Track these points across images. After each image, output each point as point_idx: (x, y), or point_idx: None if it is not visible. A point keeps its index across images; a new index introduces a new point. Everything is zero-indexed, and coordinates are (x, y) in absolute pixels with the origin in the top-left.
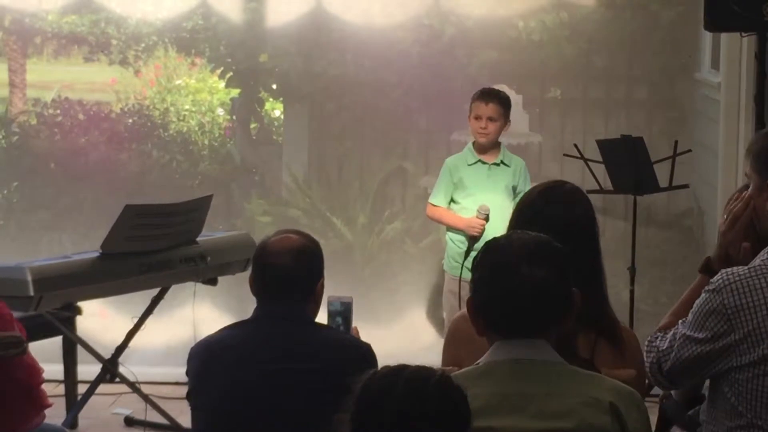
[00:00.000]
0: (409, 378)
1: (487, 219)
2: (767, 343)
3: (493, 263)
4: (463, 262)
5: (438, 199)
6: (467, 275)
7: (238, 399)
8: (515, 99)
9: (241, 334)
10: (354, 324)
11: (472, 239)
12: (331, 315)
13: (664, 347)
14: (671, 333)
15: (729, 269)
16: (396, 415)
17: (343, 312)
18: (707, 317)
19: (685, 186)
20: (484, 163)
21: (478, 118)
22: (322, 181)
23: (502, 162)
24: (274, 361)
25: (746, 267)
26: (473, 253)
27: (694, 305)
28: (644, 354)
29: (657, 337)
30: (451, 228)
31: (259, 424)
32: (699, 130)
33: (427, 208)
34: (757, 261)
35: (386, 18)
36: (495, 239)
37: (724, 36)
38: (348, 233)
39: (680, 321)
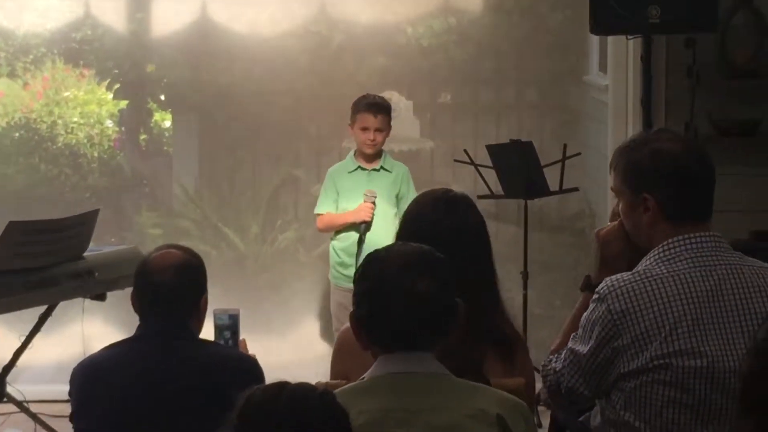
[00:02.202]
0: (290, 395)
1: (374, 202)
2: (654, 348)
3: (374, 276)
4: (357, 255)
5: (323, 209)
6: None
7: (122, 420)
8: (405, 105)
9: (124, 352)
10: (244, 336)
11: (364, 226)
12: (218, 329)
13: (559, 367)
14: (564, 351)
15: (613, 276)
16: (278, 429)
17: (231, 326)
18: (595, 326)
19: (576, 189)
20: (363, 169)
21: (365, 129)
22: (213, 191)
23: (382, 168)
24: (158, 379)
25: (630, 273)
26: (365, 247)
27: (582, 319)
28: (542, 379)
29: (551, 360)
30: (335, 237)
31: None
32: (588, 133)
33: (316, 220)
34: (640, 267)
35: (273, 26)
36: (376, 251)
37: (610, 39)
38: (240, 243)
39: (571, 336)
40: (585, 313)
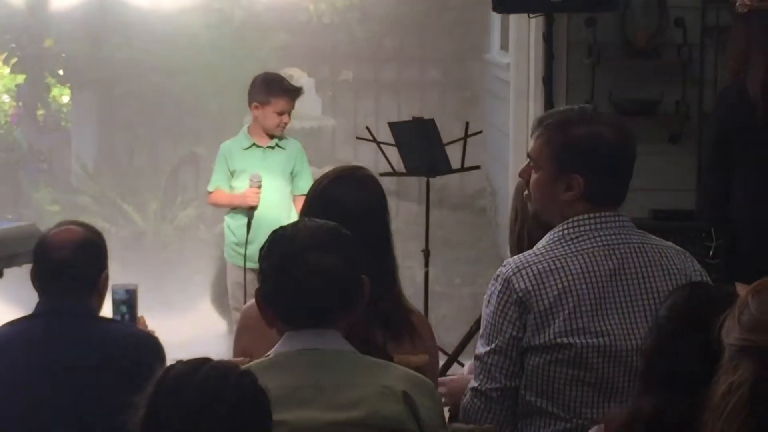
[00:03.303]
0: (208, 372)
1: (260, 187)
2: (557, 325)
3: (279, 253)
4: (247, 238)
5: (215, 186)
6: (251, 264)
7: (20, 398)
8: (307, 82)
9: (22, 330)
10: (143, 312)
11: (250, 210)
12: (115, 303)
13: (482, 378)
14: (475, 365)
15: (515, 256)
16: (192, 410)
17: (128, 300)
18: (500, 310)
19: (477, 167)
20: (258, 146)
21: (281, 113)
22: (113, 167)
23: (277, 145)
24: (58, 358)
25: (530, 251)
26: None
27: (486, 311)
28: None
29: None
30: (230, 214)
31: (43, 424)
32: (490, 111)
33: (208, 196)
34: (541, 243)
35: (175, 2)
36: (282, 228)
37: (512, 17)
38: (140, 220)
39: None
40: (485, 296)
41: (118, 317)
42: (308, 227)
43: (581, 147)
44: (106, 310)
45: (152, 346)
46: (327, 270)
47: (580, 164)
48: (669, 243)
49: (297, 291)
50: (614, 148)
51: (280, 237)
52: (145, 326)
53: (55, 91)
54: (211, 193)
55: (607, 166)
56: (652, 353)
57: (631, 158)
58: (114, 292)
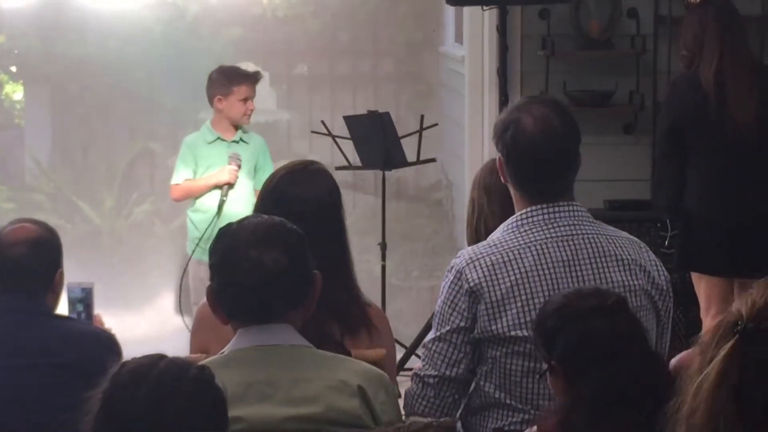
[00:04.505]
0: (162, 370)
1: (239, 167)
2: (510, 317)
3: (223, 249)
4: (216, 222)
5: (180, 179)
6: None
7: None
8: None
9: None
10: (100, 311)
11: (226, 188)
12: (71, 302)
13: (423, 364)
14: (422, 345)
15: (468, 248)
16: (147, 405)
17: (84, 298)
18: (450, 300)
19: (433, 160)
20: (223, 140)
21: (246, 100)
22: (67, 164)
23: (241, 139)
24: (12, 356)
25: (484, 243)
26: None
27: (438, 301)
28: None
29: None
30: (192, 209)
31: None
32: (445, 104)
33: (171, 190)
34: (495, 235)
35: None
36: (228, 225)
37: (466, 9)
38: (95, 217)
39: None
40: (440, 289)
41: (75, 315)
42: (252, 223)
43: (503, 137)
44: (62, 309)
45: (109, 343)
46: (268, 266)
47: (504, 154)
48: (624, 233)
49: (240, 287)
50: (530, 142)
51: (224, 234)
52: (102, 324)
53: (7, 88)
54: (176, 185)
55: (524, 161)
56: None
57: (552, 151)
58: (70, 291)
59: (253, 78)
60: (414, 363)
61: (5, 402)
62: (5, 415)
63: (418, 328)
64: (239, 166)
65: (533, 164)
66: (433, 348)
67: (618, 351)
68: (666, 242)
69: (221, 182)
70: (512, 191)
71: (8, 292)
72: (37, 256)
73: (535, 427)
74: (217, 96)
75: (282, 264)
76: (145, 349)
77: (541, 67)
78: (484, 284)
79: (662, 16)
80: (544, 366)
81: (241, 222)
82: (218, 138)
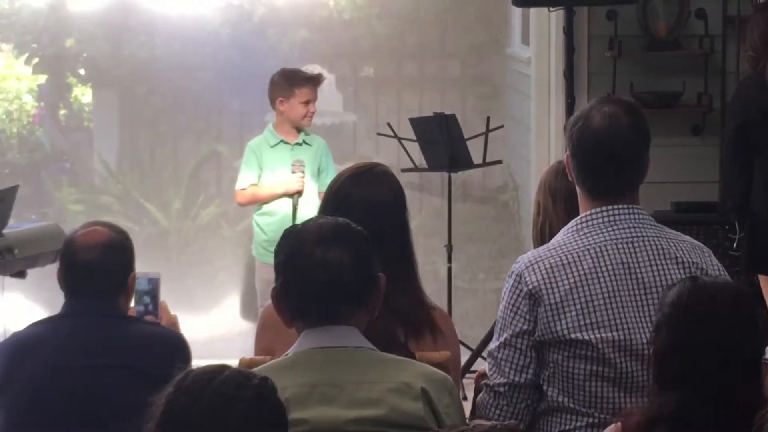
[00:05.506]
0: (227, 377)
1: (303, 172)
2: (569, 319)
3: (288, 248)
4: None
5: (245, 183)
6: None
7: (46, 397)
8: (328, 78)
9: (50, 330)
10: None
11: (296, 196)
12: (138, 294)
13: (491, 373)
14: (487, 362)
15: (528, 252)
16: (208, 414)
17: (150, 290)
18: (512, 304)
19: (499, 162)
20: (286, 143)
21: (307, 102)
22: (135, 167)
23: (304, 142)
24: (85, 357)
25: (543, 246)
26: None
27: (500, 307)
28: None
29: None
30: (259, 213)
31: (68, 423)
32: (511, 106)
33: (236, 195)
34: (556, 239)
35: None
36: (293, 226)
37: (532, 11)
38: (162, 219)
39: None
40: (503, 293)
41: (141, 307)
42: (317, 223)
43: (571, 135)
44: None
45: (180, 345)
46: (333, 264)
47: (572, 152)
48: (686, 237)
49: (303, 285)
50: (595, 138)
51: (289, 234)
52: (168, 312)
53: (76, 91)
54: (242, 191)
55: (588, 157)
56: (663, 352)
57: (619, 147)
58: (137, 282)
59: (314, 80)
60: (479, 365)
61: (77, 402)
62: (76, 416)
63: (483, 331)
64: (303, 173)
65: (594, 157)
66: (499, 356)
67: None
68: (734, 245)
69: (290, 192)
70: (578, 191)
71: (82, 295)
72: (110, 259)
73: (619, 423)
74: (278, 98)
75: (346, 262)
76: (211, 350)
77: (608, 68)
78: (543, 287)
79: (731, 16)
80: (609, 370)
81: (307, 222)
82: (281, 141)
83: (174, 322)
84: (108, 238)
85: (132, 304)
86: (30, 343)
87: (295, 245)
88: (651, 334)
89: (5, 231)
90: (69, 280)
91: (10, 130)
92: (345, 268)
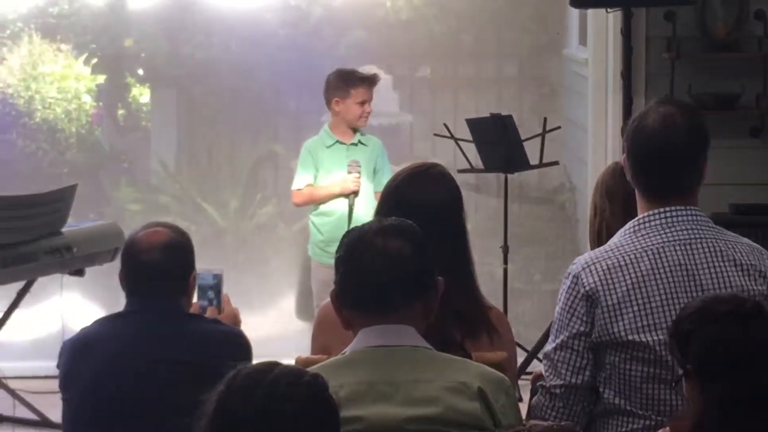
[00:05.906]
0: (278, 374)
1: (359, 173)
2: (627, 321)
3: (350, 240)
4: (349, 226)
5: (302, 183)
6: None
7: (110, 393)
8: (385, 79)
9: (115, 327)
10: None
11: (352, 196)
12: (202, 289)
13: (548, 375)
14: (543, 363)
15: (585, 254)
16: (259, 411)
17: (215, 285)
18: (568, 306)
19: (556, 163)
20: (342, 143)
21: (363, 103)
22: (192, 166)
23: (360, 142)
24: (147, 355)
25: (600, 248)
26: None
27: (556, 309)
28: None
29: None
30: (315, 213)
31: (132, 418)
32: (568, 107)
33: (293, 195)
34: (613, 240)
35: (252, 0)
36: (353, 227)
37: (590, 12)
38: (219, 218)
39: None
40: (558, 295)
41: (205, 302)
42: (379, 221)
43: (627, 135)
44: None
45: (240, 342)
46: (392, 252)
47: (627, 152)
48: (745, 239)
49: (362, 273)
50: (649, 139)
51: (351, 231)
52: (230, 305)
53: (134, 91)
54: (298, 191)
55: (641, 156)
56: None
57: (672, 147)
58: (201, 278)
59: (370, 80)
60: (535, 367)
61: (140, 399)
62: (139, 413)
63: (539, 333)
64: (359, 173)
65: (647, 157)
66: (556, 357)
67: (753, 355)
68: None
69: (346, 192)
70: (636, 192)
71: (144, 295)
72: (172, 260)
73: (668, 428)
74: (334, 98)
75: (406, 252)
76: (269, 349)
77: (666, 69)
78: (600, 288)
79: None
80: (667, 372)
81: (369, 222)
82: (337, 141)
83: (236, 314)
84: (169, 239)
85: (195, 299)
86: (94, 339)
87: (356, 236)
88: None
89: (64, 229)
90: (131, 281)
91: (69, 130)
92: (405, 257)
